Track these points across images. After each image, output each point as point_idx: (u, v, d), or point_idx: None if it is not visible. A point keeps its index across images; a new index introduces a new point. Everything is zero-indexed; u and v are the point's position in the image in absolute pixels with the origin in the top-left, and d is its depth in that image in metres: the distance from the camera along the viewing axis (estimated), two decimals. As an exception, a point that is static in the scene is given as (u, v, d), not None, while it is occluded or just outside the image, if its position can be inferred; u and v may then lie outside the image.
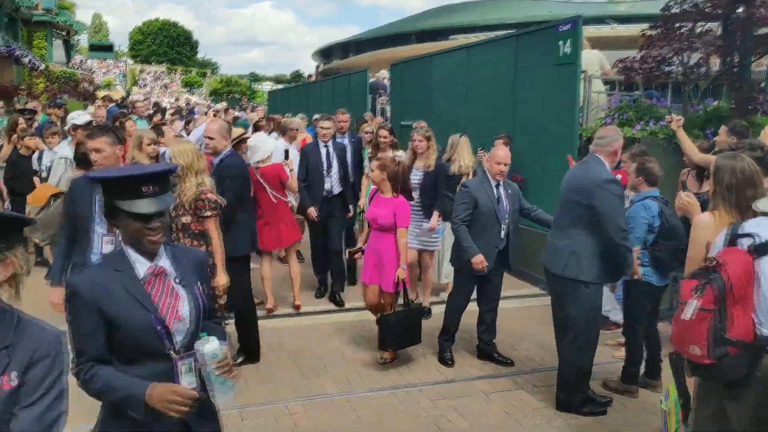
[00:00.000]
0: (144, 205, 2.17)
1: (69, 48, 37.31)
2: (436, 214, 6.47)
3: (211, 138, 5.29)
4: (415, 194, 6.25)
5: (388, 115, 13.68)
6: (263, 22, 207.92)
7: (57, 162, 7.43)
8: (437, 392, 5.02)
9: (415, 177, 6.44)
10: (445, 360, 5.54)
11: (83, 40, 48.90)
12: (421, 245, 6.62)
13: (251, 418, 4.53)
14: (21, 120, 8.73)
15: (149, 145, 6.03)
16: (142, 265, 2.27)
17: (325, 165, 7.03)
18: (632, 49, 9.19)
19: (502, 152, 5.44)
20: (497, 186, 5.39)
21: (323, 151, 7.08)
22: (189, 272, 2.37)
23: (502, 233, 5.39)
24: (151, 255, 2.28)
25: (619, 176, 5.16)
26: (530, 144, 8.13)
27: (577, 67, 7.40)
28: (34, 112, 10.64)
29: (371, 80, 14.75)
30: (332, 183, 7.08)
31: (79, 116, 8.05)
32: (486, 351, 5.63)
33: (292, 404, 4.77)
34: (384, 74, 15.42)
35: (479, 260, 5.22)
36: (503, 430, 4.47)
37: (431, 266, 6.80)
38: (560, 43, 7.56)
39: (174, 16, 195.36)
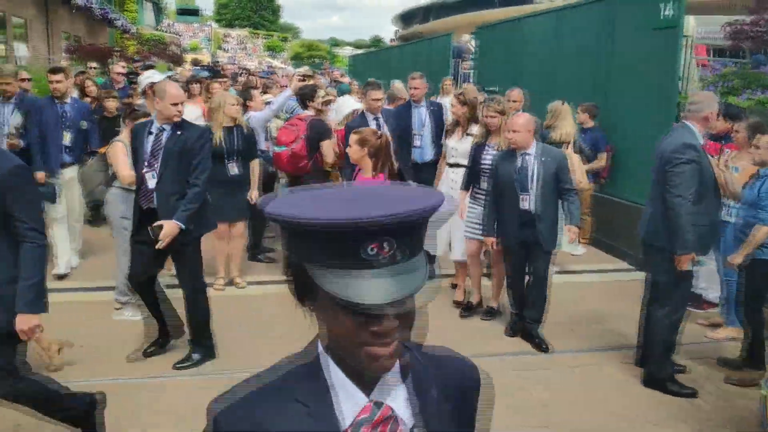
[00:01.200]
0: (370, 288, 0.97)
1: (158, 12, 38.45)
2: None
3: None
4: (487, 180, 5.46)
5: (471, 80, 13.42)
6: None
7: None
8: (521, 363, 4.96)
9: (488, 157, 5.51)
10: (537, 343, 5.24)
11: (171, 3, 50.20)
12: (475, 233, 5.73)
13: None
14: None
15: (233, 105, 6.12)
16: (349, 400, 1.09)
17: None
18: (717, 14, 8.61)
19: (518, 120, 5.08)
20: (523, 154, 5.06)
21: (372, 125, 6.21)
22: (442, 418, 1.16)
23: (526, 204, 5.04)
24: (368, 381, 1.09)
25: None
26: (625, 113, 7.79)
27: (679, 31, 6.99)
28: (136, 74, 10.91)
29: (454, 44, 14.47)
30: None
31: (153, 74, 8.08)
32: (526, 329, 5.34)
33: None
34: (467, 38, 15.09)
35: (488, 241, 5.33)
36: (588, 404, 4.38)
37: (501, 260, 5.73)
38: (661, 5, 7.14)
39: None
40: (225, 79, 10.59)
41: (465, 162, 5.74)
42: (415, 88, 6.97)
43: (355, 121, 6.50)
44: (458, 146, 5.90)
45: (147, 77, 7.53)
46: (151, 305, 4.69)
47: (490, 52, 12.14)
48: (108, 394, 3.60)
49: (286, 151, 6.55)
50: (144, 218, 4.51)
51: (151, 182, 4.42)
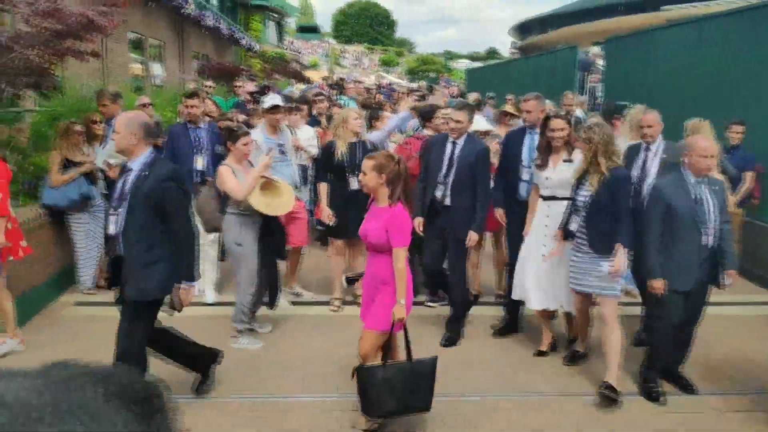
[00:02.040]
0: None
1: (280, 30, 40.02)
2: (621, 250, 4.52)
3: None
4: (580, 217, 4.75)
5: (598, 94, 12.87)
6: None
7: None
8: (669, 403, 4.57)
9: (582, 194, 4.72)
10: (653, 395, 4.62)
11: (291, 22, 52.16)
12: (592, 287, 4.73)
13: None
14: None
15: (356, 119, 6.10)
16: None
17: (445, 165, 5.52)
18: None
19: (705, 143, 4.49)
20: (699, 183, 4.48)
21: (448, 148, 5.53)
22: None
23: (708, 241, 4.47)
24: None
25: None
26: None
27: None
28: (263, 92, 11.09)
29: (581, 56, 13.94)
30: (445, 190, 5.54)
31: (274, 97, 7.90)
32: (670, 372, 4.83)
33: (503, 399, 4.61)
34: (596, 51, 14.49)
35: (657, 285, 4.45)
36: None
37: (610, 323, 4.63)
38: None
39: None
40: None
41: (563, 193, 5.01)
42: (527, 111, 5.70)
43: (434, 139, 5.94)
44: (552, 175, 5.11)
45: (270, 99, 7.51)
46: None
47: (620, 64, 11.57)
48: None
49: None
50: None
51: None
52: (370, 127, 7.14)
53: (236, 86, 13.32)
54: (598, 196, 4.57)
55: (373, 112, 7.36)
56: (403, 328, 3.95)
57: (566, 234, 4.86)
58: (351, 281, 4.96)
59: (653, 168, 5.55)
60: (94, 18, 5.82)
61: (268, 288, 5.54)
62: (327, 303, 6.32)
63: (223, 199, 5.23)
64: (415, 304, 5.95)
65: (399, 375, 3.84)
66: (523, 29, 69.85)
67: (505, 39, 74.13)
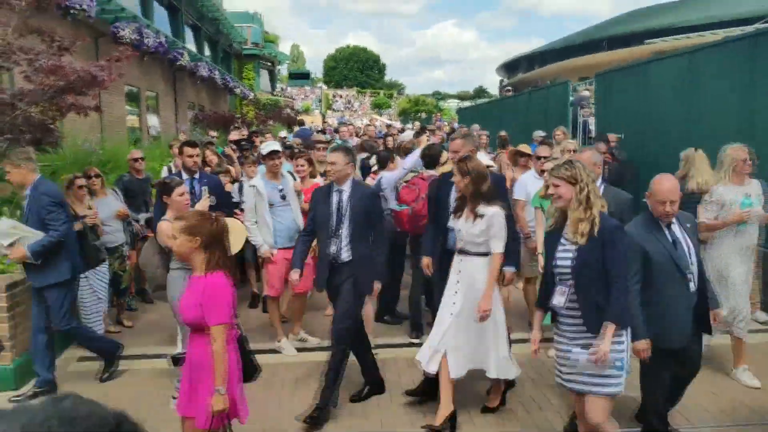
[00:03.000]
0: None
1: (273, 77, 40.54)
2: (609, 328, 3.52)
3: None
4: (566, 286, 3.74)
5: (591, 128, 12.98)
6: (445, 41, 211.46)
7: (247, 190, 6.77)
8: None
9: (565, 256, 3.72)
10: None
11: (283, 69, 52.89)
12: (582, 384, 3.72)
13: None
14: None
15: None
16: None
17: (334, 217, 5.14)
18: None
19: (667, 184, 3.92)
20: (668, 225, 4.01)
21: (334, 198, 5.13)
22: None
23: (692, 286, 4.01)
24: None
25: None
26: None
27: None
28: (251, 141, 11.13)
29: (573, 96, 14.06)
30: (339, 243, 5.13)
31: (267, 146, 7.69)
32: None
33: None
34: (584, 91, 14.59)
35: (642, 347, 3.82)
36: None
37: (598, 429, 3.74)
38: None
39: (363, 41, 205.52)
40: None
41: (475, 249, 4.55)
42: (454, 152, 5.24)
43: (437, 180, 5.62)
44: (463, 228, 4.61)
45: (261, 148, 7.45)
46: None
47: (612, 98, 11.70)
48: None
49: (406, 210, 6.52)
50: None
51: None
52: (382, 168, 7.16)
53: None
54: (589, 255, 3.56)
55: (383, 153, 7.40)
56: (226, 421, 3.33)
57: (553, 315, 3.87)
58: (176, 361, 3.69)
59: None
60: (96, 74, 5.86)
61: None
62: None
63: (167, 255, 4.79)
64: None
65: None
66: (511, 67, 71.01)
67: (493, 77, 75.26)
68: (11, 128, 5.75)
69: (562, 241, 3.69)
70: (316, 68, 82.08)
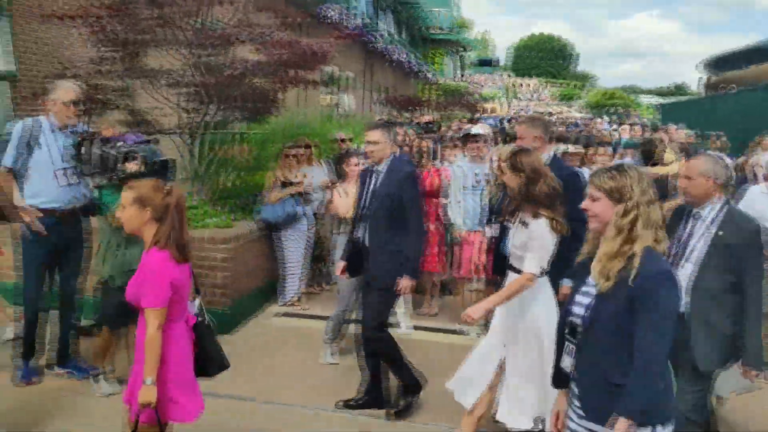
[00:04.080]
0: None
1: (461, 63, 40.73)
2: (621, 423, 2.38)
3: None
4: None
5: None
6: (645, 32, 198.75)
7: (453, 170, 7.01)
8: None
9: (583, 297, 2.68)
10: None
11: (470, 55, 52.84)
12: None
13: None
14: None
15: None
16: None
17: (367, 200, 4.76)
18: None
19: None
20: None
21: (372, 180, 4.71)
22: None
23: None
24: None
25: None
26: None
27: None
28: (432, 125, 11.26)
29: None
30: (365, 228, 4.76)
31: (475, 129, 7.54)
32: None
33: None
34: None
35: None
36: None
37: None
38: None
39: (554, 29, 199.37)
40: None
41: (517, 265, 3.81)
42: (520, 138, 4.53)
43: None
44: (513, 237, 3.93)
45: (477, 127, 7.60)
46: None
47: None
48: None
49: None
50: None
51: None
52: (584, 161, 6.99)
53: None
54: (608, 307, 2.48)
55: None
56: (155, 417, 2.91)
57: (558, 381, 2.79)
58: None
59: None
60: (318, 50, 6.29)
61: None
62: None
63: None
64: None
65: None
66: (717, 64, 64.94)
67: (692, 75, 69.54)
68: (242, 98, 6.32)
69: (588, 280, 2.62)
70: (503, 56, 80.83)
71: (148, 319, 2.90)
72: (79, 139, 4.53)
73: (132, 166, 4.28)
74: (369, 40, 19.31)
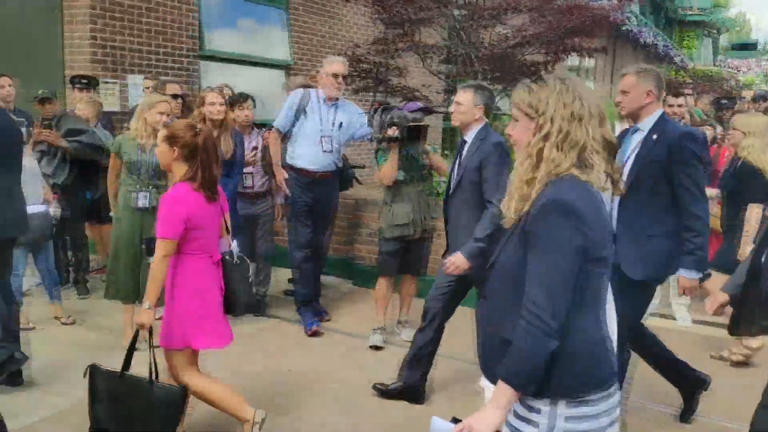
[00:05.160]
0: None
1: (715, 46, 37.10)
2: (500, 389, 1.87)
3: None
4: None
5: None
6: None
7: None
8: None
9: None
10: None
11: (726, 38, 47.93)
12: None
13: None
14: None
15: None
16: None
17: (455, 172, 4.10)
18: None
19: None
20: None
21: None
22: None
23: None
24: None
25: None
26: None
27: None
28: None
29: None
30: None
31: None
32: None
33: None
34: None
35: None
36: None
37: None
38: None
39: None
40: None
41: None
42: (623, 92, 3.53)
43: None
44: None
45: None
46: None
47: None
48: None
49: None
50: None
51: None
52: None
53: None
54: (509, 244, 1.99)
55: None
56: (149, 337, 3.12)
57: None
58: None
59: None
60: (607, 14, 5.94)
61: None
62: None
63: None
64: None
65: (127, 391, 3.10)
66: None
67: None
68: (511, 72, 6.30)
69: None
70: (764, 38, 71.55)
71: (157, 248, 3.07)
72: (375, 107, 4.99)
73: (392, 131, 4.62)
74: (618, 20, 18.26)
